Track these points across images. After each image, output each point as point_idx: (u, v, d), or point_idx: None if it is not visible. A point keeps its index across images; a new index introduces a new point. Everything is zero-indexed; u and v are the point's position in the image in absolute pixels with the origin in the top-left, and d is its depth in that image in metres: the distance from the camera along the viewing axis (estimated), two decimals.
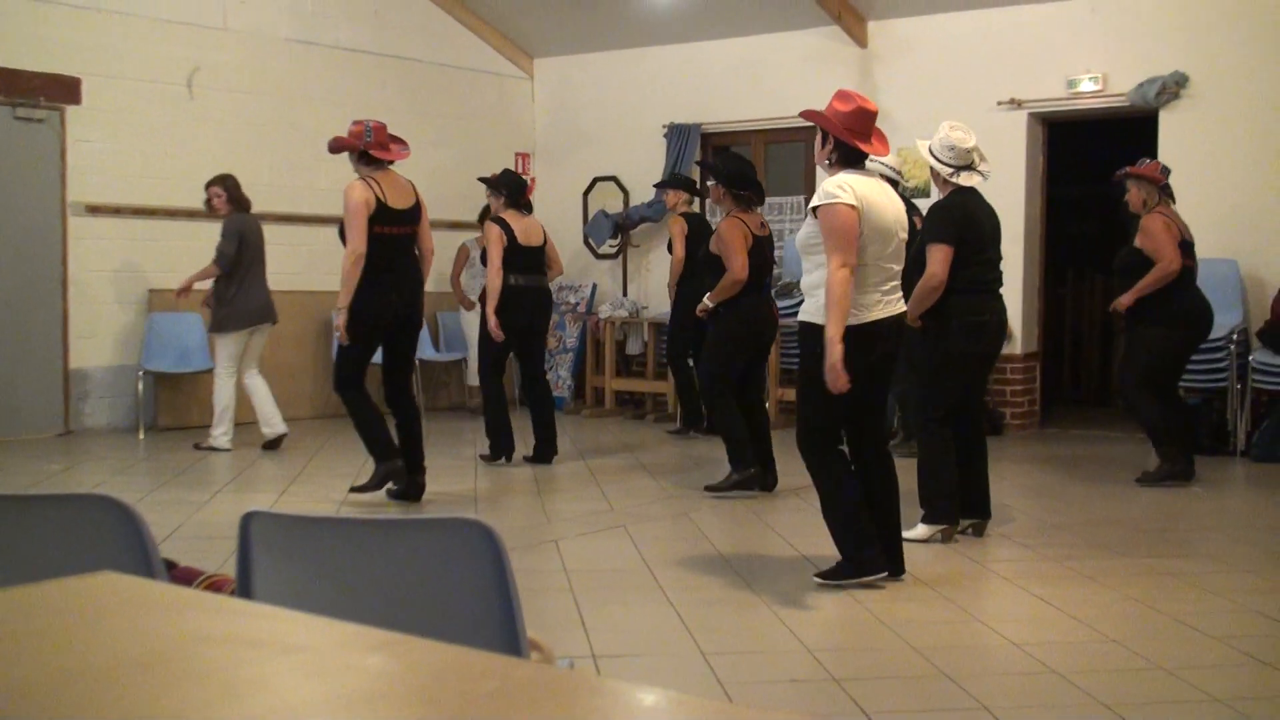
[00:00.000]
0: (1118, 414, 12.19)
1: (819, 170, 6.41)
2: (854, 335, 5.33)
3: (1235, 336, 9.61)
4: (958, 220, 6.50)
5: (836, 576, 5.57)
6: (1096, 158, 12.53)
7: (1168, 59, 10.18)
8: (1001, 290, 6.71)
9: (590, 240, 13.13)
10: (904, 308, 5.63)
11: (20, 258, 10.11)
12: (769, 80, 12.07)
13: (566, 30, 12.86)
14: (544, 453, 9.05)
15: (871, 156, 5.78)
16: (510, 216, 8.93)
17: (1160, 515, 7.52)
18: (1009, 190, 10.65)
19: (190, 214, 10.61)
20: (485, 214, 12.02)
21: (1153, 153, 10.30)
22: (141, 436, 10.31)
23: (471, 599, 2.18)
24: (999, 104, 10.88)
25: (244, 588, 2.26)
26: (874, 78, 11.56)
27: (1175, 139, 10.22)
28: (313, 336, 11.83)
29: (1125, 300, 8.29)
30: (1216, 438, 9.62)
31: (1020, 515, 7.36)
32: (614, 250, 13.09)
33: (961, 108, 11.01)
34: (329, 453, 9.53)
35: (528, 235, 8.91)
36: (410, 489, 7.46)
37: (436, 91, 12.73)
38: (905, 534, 5.98)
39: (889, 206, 5.51)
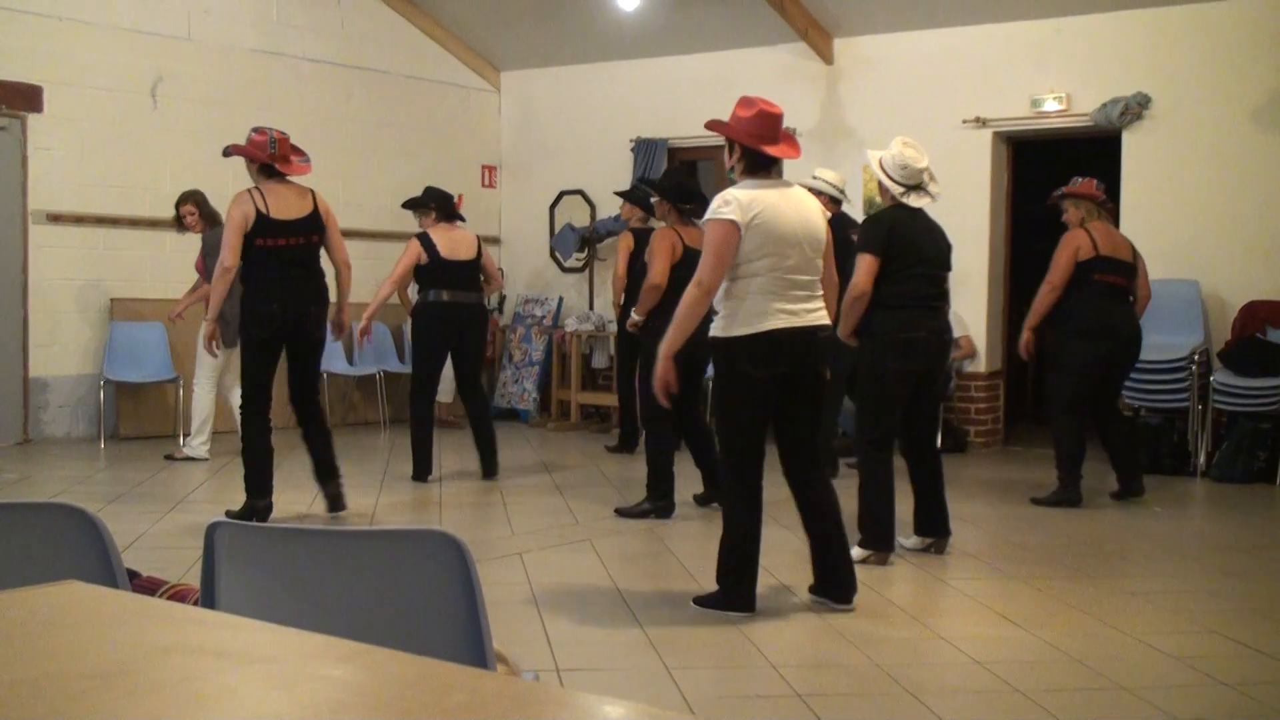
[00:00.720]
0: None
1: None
2: (745, 345, 5.23)
3: (1196, 357, 9.68)
4: (884, 233, 6.45)
5: (707, 604, 5.48)
6: (1060, 177, 12.63)
7: (1131, 80, 10.27)
8: (947, 307, 6.70)
9: (557, 253, 13.13)
10: (823, 320, 5.41)
11: None
12: (736, 96, 11.97)
13: (533, 43, 12.87)
14: (488, 469, 8.99)
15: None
16: (439, 230, 8.81)
17: (1122, 535, 7.55)
18: (973, 208, 10.73)
19: (153, 223, 10.55)
20: None
21: (1116, 173, 10.39)
22: (102, 446, 10.22)
23: (438, 611, 2.17)
24: (964, 122, 10.94)
25: (208, 598, 2.24)
26: (839, 95, 11.62)
27: (1138, 159, 10.31)
28: None
29: (1025, 339, 8.46)
30: (1177, 458, 9.67)
31: (983, 534, 7.38)
32: (580, 264, 13.09)
33: (926, 126, 11.09)
34: (297, 459, 9.46)
35: (454, 249, 8.74)
36: (336, 503, 7.41)
37: (402, 103, 12.71)
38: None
39: (794, 216, 5.32)
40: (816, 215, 5.46)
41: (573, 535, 7.10)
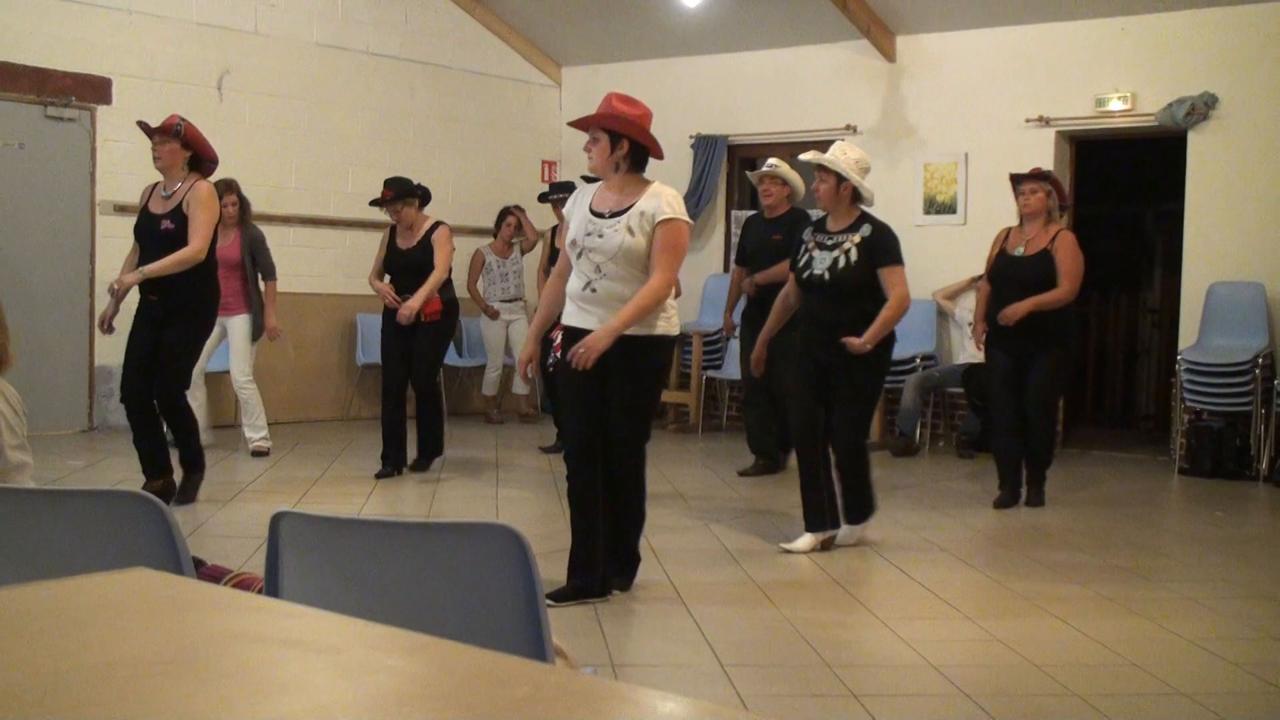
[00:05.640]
0: (1140, 435, 12.17)
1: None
2: (673, 344, 5.64)
3: (1261, 360, 9.56)
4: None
5: (563, 598, 5.48)
6: (1124, 178, 12.54)
7: (1197, 79, 10.15)
8: None
9: None
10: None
11: (49, 255, 10.18)
12: (797, 93, 12.08)
13: (595, 39, 12.89)
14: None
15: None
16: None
17: (1181, 539, 7.49)
18: None
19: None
20: (502, 218, 12.03)
21: (1181, 174, 10.28)
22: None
23: (498, 603, 2.19)
24: (1027, 121, 10.86)
25: (272, 587, 2.27)
26: (901, 93, 11.56)
27: (1203, 160, 10.19)
28: (338, 340, 11.86)
29: (1021, 309, 7.74)
30: (1239, 462, 9.56)
31: (1044, 537, 7.33)
32: None
33: (989, 124, 11.04)
34: (351, 454, 9.55)
35: None
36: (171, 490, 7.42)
37: (464, 98, 12.77)
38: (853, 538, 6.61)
39: None
40: None
41: None
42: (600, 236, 5.39)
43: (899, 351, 10.76)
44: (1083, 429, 12.10)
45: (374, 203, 8.93)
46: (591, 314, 5.45)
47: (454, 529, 2.32)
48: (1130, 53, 10.49)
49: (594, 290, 5.44)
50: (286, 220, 11.41)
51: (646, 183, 5.50)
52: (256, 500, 7.70)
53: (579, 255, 5.47)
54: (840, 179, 6.54)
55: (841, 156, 6.58)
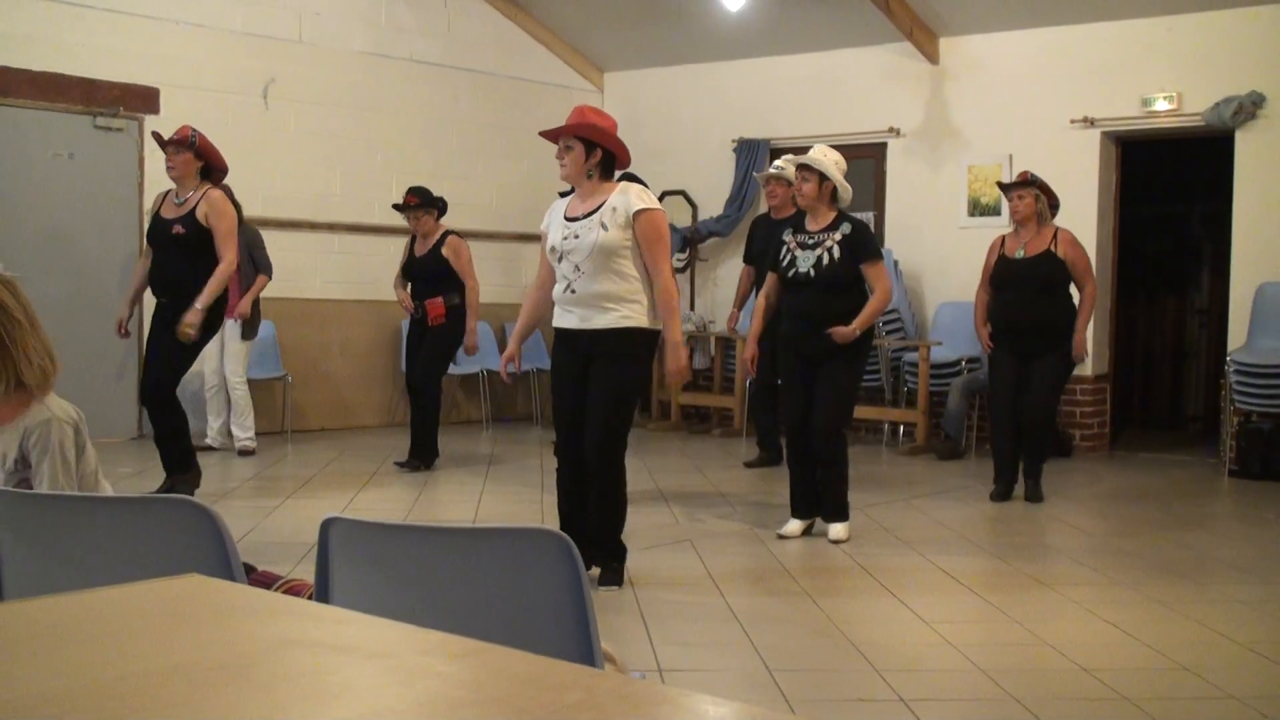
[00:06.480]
0: (1189, 437, 12.07)
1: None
2: (654, 339, 5.79)
3: None
4: None
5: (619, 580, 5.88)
6: (1170, 178, 12.44)
7: (1244, 78, 10.05)
8: None
9: None
10: None
11: (98, 264, 10.27)
12: (839, 96, 12.05)
13: (637, 44, 12.90)
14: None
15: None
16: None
17: (1232, 543, 7.41)
18: (1081, 210, 10.55)
19: (262, 223, 10.73)
20: None
21: (1228, 174, 10.19)
22: (218, 443, 10.41)
23: (546, 609, 2.19)
24: (1072, 122, 10.79)
25: (322, 592, 2.28)
26: (945, 95, 11.51)
27: (1251, 160, 10.10)
28: (382, 347, 11.92)
29: (1081, 337, 8.14)
30: None
31: (1088, 538, 7.28)
32: (681, 264, 13.09)
33: (1033, 126, 10.98)
34: (397, 459, 9.59)
35: None
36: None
37: (507, 104, 12.81)
38: (835, 536, 6.86)
39: None
40: None
41: (674, 535, 7.12)
42: (576, 238, 5.67)
43: (945, 354, 10.81)
44: (1131, 431, 12.01)
45: (396, 207, 9.42)
46: (572, 313, 5.75)
47: (502, 534, 2.32)
48: (1176, 52, 10.40)
49: (573, 291, 5.71)
50: (331, 228, 11.48)
51: (614, 184, 5.77)
52: (304, 506, 7.74)
53: (559, 260, 5.74)
54: (823, 178, 6.84)
55: (823, 157, 6.88)
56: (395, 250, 11.80)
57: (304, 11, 11.34)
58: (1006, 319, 8.18)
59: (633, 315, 5.65)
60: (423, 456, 9.21)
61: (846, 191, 6.86)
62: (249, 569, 2.79)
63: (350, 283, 11.62)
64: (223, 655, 1.50)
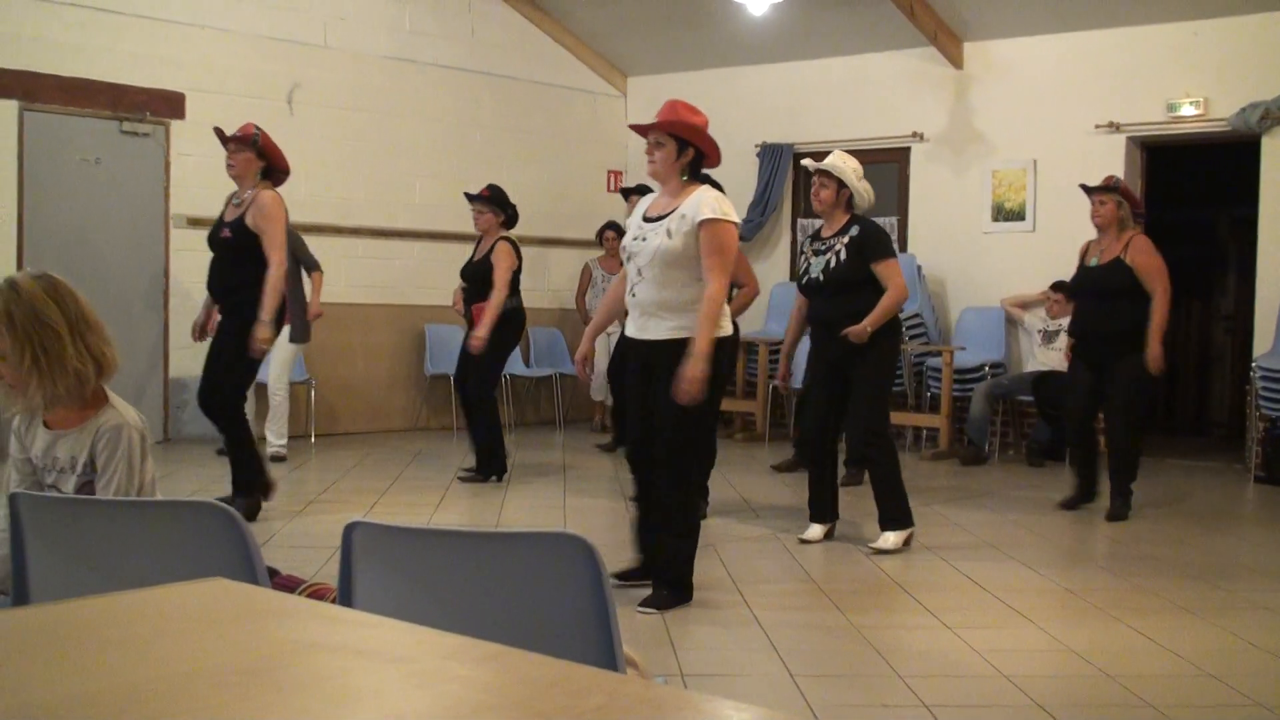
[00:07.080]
0: (1214, 443, 12.00)
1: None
2: (723, 345, 5.49)
3: None
4: None
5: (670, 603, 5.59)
6: (1196, 183, 12.38)
7: (1271, 83, 10.00)
8: None
9: None
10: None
11: (124, 269, 10.33)
12: (863, 101, 12.03)
13: (660, 49, 12.90)
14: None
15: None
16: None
17: (1259, 549, 7.37)
18: None
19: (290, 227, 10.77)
20: (603, 231, 11.95)
21: (1255, 179, 10.14)
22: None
23: (569, 613, 2.19)
24: (1097, 127, 10.76)
25: (345, 596, 2.29)
26: (969, 99, 11.49)
27: (1278, 165, 10.04)
28: (407, 351, 11.94)
29: (1156, 349, 7.71)
30: None
31: (1113, 544, 7.25)
32: None
33: (1058, 131, 10.94)
34: (421, 464, 9.61)
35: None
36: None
37: (531, 109, 12.83)
38: (880, 544, 6.72)
39: None
40: None
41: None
42: (644, 240, 5.46)
43: (968, 359, 10.78)
44: (1156, 437, 11.94)
45: (469, 195, 9.16)
46: (633, 319, 5.56)
47: (525, 539, 2.33)
48: (1202, 57, 10.36)
49: (634, 295, 5.50)
50: (356, 232, 11.52)
51: (695, 187, 5.51)
52: (327, 510, 7.76)
53: (628, 259, 5.55)
54: (841, 185, 6.79)
55: (842, 164, 6.83)
56: (420, 254, 11.90)
57: (329, 17, 11.38)
58: (1081, 328, 8.06)
59: (689, 326, 5.35)
60: (485, 469, 8.89)
61: (865, 198, 6.81)
62: (273, 573, 2.80)
63: (374, 287, 11.65)
64: (246, 659, 1.50)
